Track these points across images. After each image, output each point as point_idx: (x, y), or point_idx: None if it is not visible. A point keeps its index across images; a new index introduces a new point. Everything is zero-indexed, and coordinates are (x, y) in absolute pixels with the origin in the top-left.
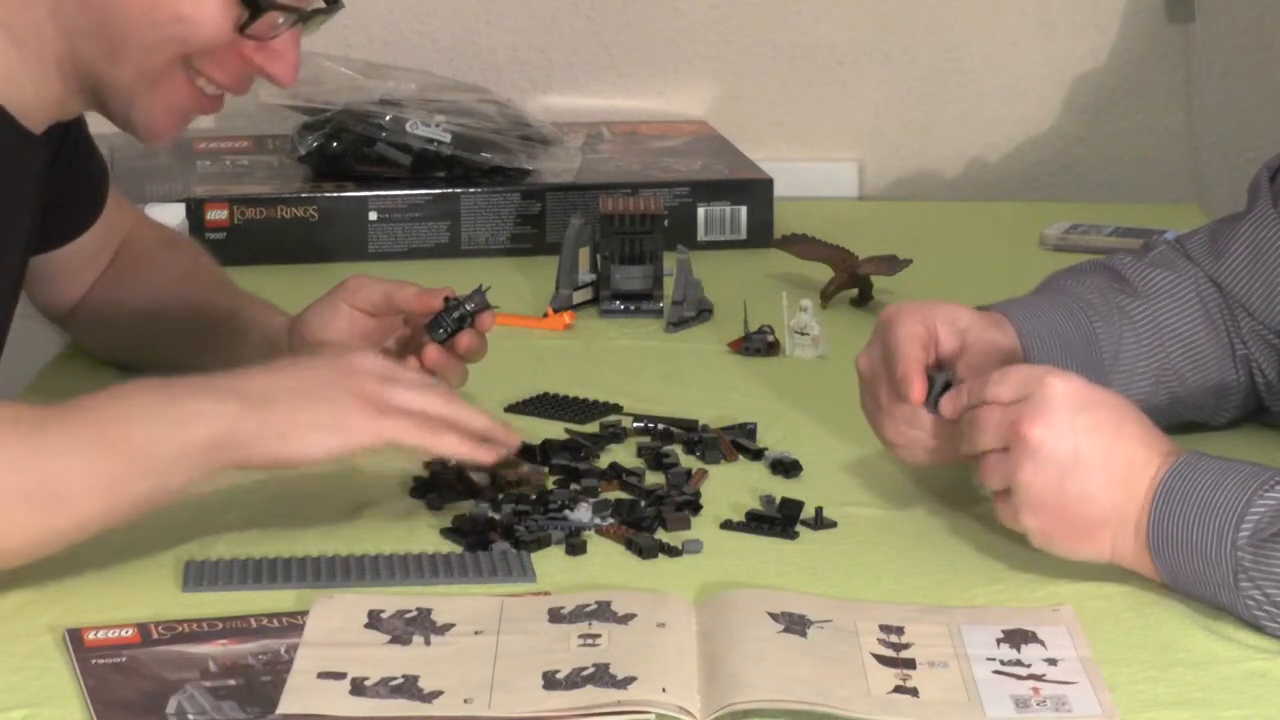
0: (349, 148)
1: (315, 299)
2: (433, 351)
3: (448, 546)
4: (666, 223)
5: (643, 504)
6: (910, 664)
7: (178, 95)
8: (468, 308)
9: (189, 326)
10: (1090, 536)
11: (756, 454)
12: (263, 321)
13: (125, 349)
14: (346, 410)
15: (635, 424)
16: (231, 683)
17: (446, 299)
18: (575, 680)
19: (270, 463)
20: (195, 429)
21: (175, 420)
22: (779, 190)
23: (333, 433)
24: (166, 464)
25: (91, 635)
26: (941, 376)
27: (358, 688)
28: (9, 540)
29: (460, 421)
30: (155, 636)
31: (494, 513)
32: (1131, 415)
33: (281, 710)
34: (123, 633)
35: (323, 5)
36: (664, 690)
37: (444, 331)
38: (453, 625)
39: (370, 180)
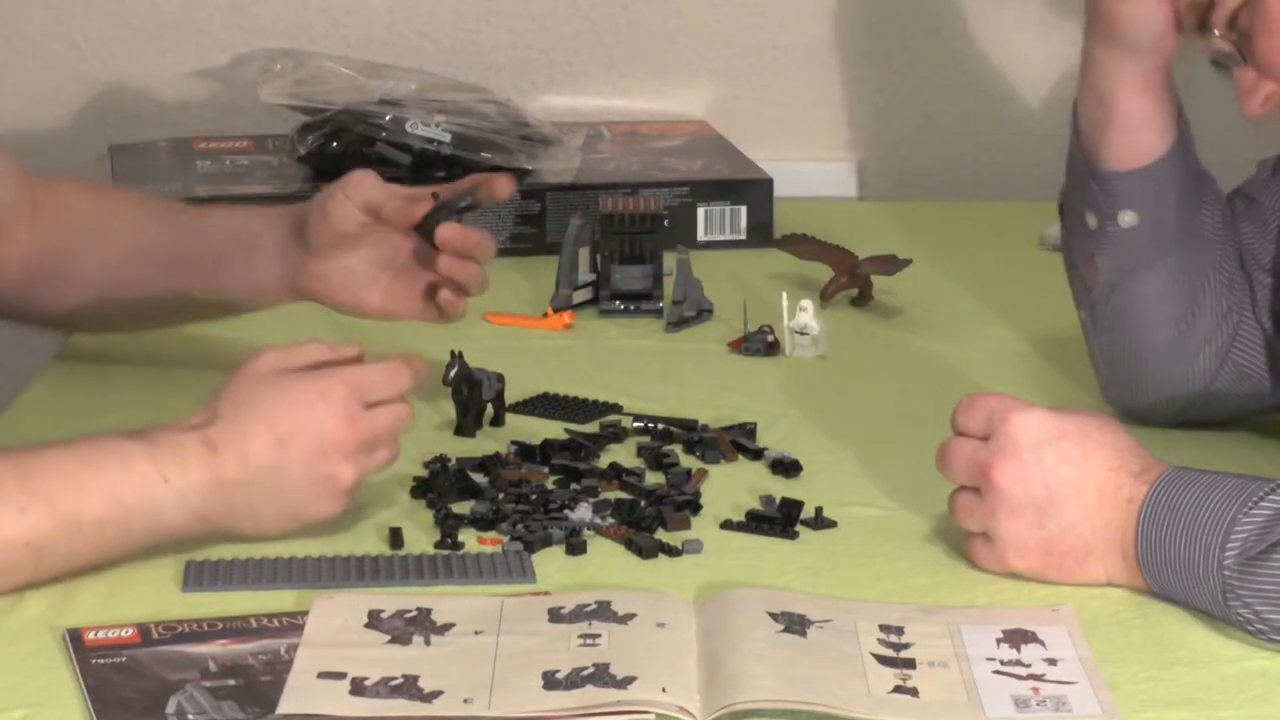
0: (349, 148)
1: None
2: (447, 231)
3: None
4: (666, 223)
5: (643, 504)
6: (910, 664)
7: None
8: (462, 204)
9: (170, 252)
10: (1081, 566)
11: (756, 454)
12: (256, 231)
13: (98, 302)
14: (313, 510)
15: (635, 424)
16: (231, 683)
17: (435, 196)
18: (575, 680)
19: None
20: (143, 521)
21: (128, 507)
22: (779, 190)
23: (293, 528)
24: (108, 545)
25: (91, 635)
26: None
27: (358, 688)
28: None
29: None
30: (155, 636)
31: (494, 513)
32: (1097, 440)
33: (281, 710)
34: (123, 633)
35: None
36: (664, 690)
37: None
38: (453, 625)
39: None
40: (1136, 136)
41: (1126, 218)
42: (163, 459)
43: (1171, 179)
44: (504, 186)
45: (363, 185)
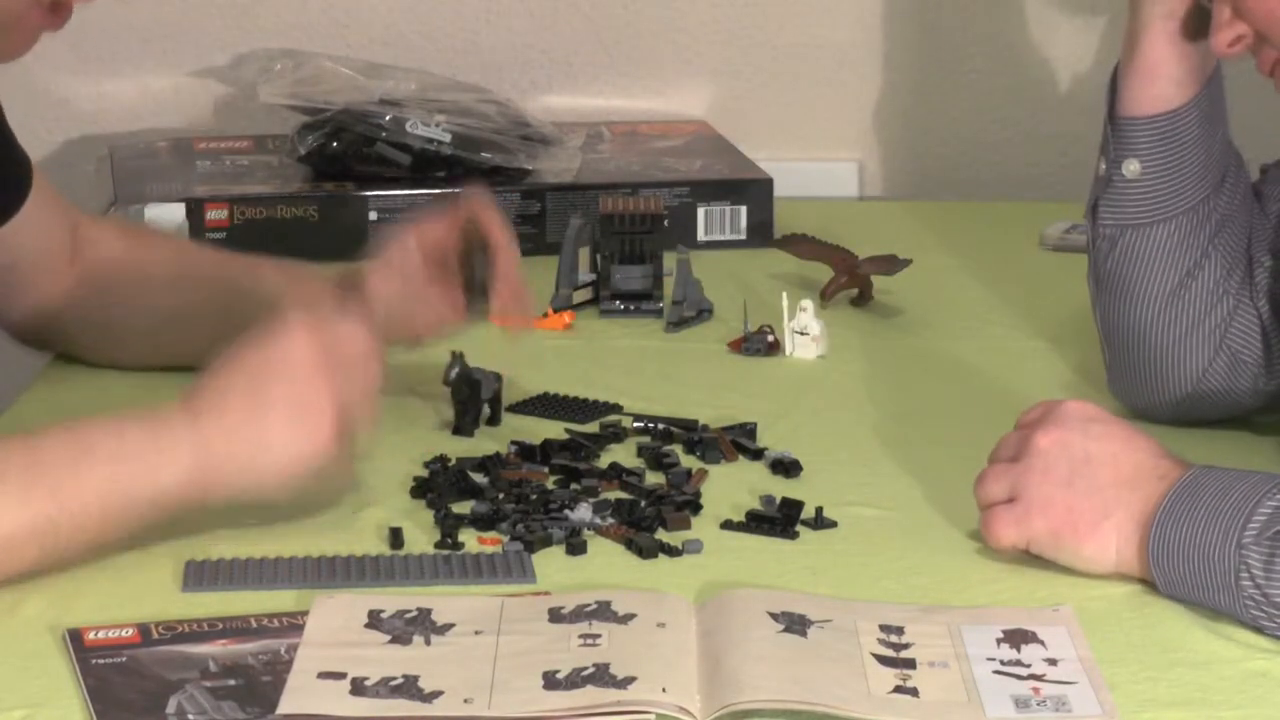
0: (349, 148)
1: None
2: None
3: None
4: (666, 223)
5: (643, 504)
6: (910, 664)
7: (32, 26)
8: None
9: (213, 315)
10: (1095, 530)
11: (756, 454)
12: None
13: (139, 356)
14: (309, 455)
15: (635, 424)
16: (231, 683)
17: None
18: (575, 680)
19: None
20: (144, 485)
21: (129, 473)
22: (779, 190)
23: (293, 481)
24: (117, 519)
25: (91, 635)
26: None
27: (358, 688)
28: None
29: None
30: (155, 636)
31: (494, 513)
32: (1144, 435)
33: (281, 710)
34: (123, 633)
35: None
36: (664, 690)
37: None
38: (453, 625)
39: (370, 180)
40: (1152, 83)
41: (1131, 167)
42: (153, 426)
43: (1183, 135)
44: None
45: (381, 294)
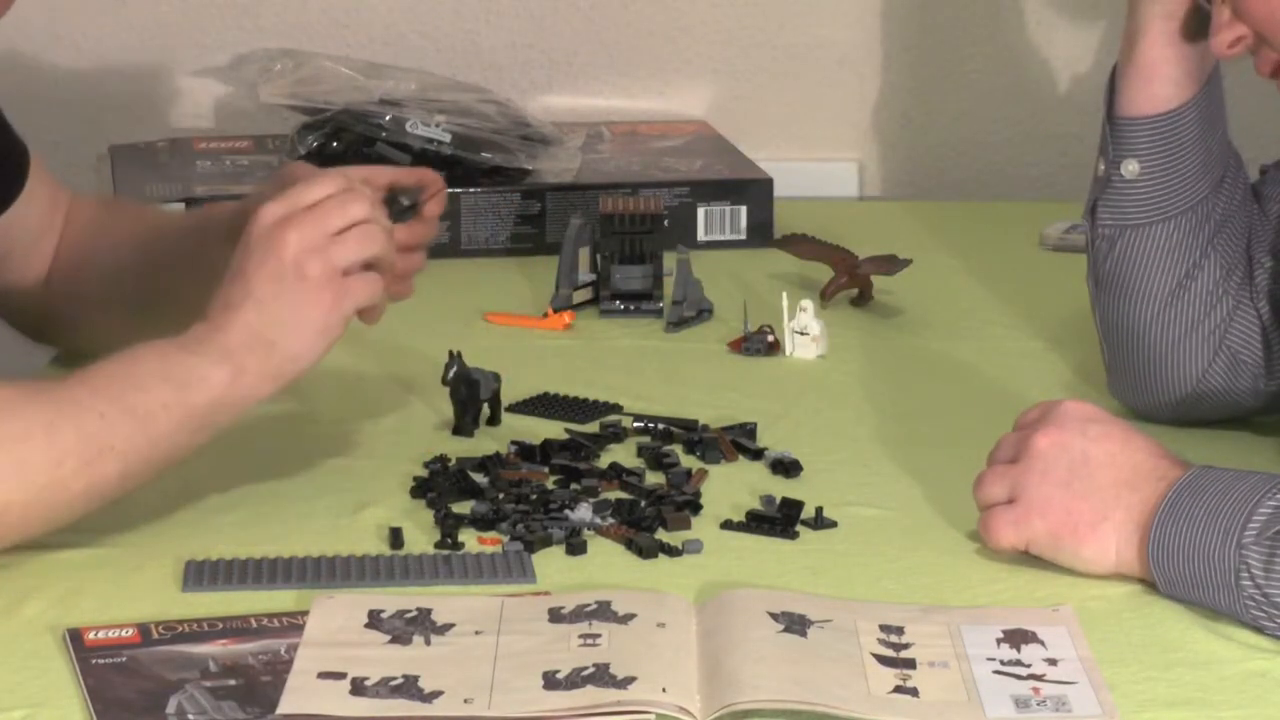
0: (349, 148)
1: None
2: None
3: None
4: (666, 223)
5: (643, 504)
6: (910, 664)
7: None
8: (407, 206)
9: (167, 265)
10: (1094, 531)
11: (756, 454)
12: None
13: (108, 323)
14: (317, 313)
15: (635, 424)
16: (231, 683)
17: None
18: (575, 680)
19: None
20: (197, 393)
21: (180, 383)
22: (779, 190)
23: (317, 341)
24: (176, 428)
25: (91, 635)
26: None
27: (358, 688)
28: (30, 512)
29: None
30: (155, 636)
31: (494, 513)
32: (1143, 435)
33: (281, 710)
34: (123, 633)
35: None
36: (664, 690)
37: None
38: (453, 625)
39: None
40: (1150, 83)
41: (1130, 167)
42: (183, 340)
43: (1182, 136)
44: (439, 204)
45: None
